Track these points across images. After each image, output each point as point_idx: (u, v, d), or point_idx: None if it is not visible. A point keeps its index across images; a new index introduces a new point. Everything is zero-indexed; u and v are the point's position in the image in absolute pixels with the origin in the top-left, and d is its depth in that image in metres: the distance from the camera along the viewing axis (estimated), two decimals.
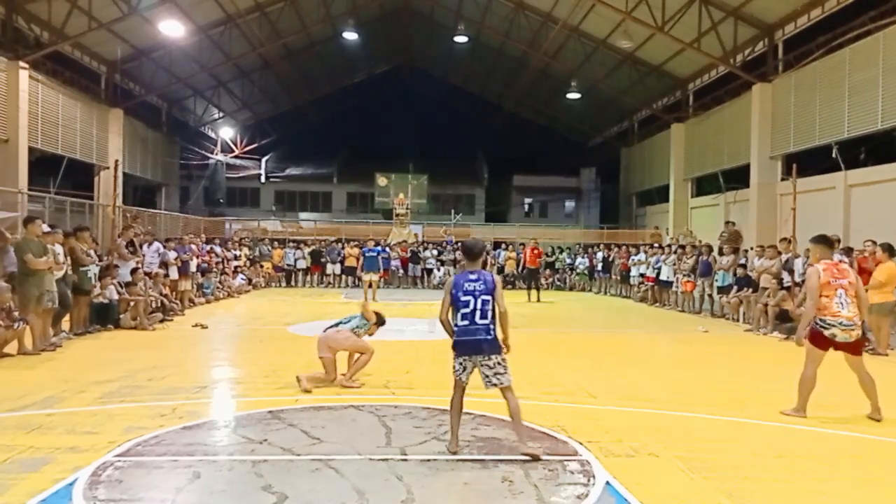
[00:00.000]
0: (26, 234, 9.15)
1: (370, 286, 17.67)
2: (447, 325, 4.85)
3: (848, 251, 11.51)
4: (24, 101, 18.34)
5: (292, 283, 23.74)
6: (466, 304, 4.70)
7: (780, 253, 13.69)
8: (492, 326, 4.71)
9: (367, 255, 18.07)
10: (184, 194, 33.82)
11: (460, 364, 4.77)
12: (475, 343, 4.68)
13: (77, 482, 4.09)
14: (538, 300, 18.55)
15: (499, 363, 4.71)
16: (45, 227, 9.85)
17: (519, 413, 4.76)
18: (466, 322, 4.69)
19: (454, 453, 4.69)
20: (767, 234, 17.85)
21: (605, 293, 22.40)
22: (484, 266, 5.25)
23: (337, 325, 7.17)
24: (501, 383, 4.71)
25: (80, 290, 10.45)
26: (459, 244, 4.81)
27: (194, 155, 34.44)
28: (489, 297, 4.71)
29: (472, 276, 4.78)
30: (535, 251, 19.51)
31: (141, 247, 13.75)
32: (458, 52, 29.98)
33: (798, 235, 15.22)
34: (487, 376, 4.71)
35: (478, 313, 4.68)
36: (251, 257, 22.49)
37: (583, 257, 24.00)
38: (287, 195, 40.37)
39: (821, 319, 6.10)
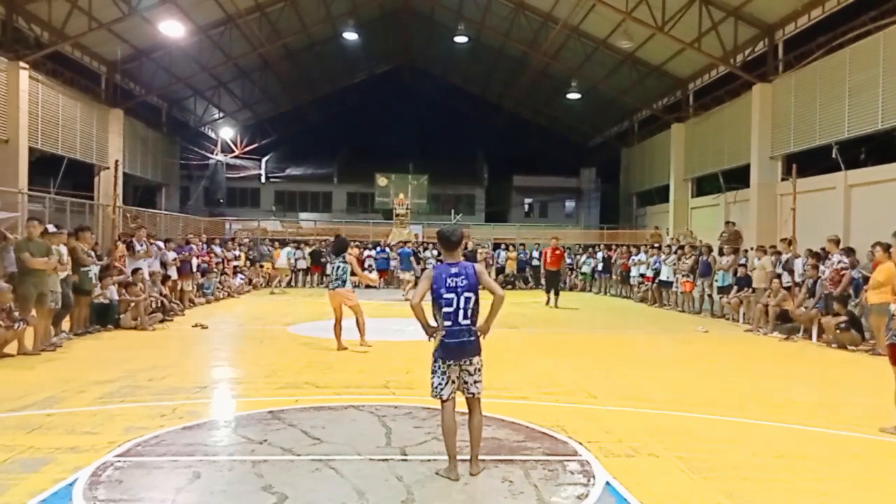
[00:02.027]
0: (27, 234, 9.16)
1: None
2: (420, 313, 4.38)
3: (849, 251, 11.51)
4: (24, 101, 18.32)
5: (292, 283, 23.74)
6: (450, 303, 4.35)
7: (772, 253, 13.70)
8: (473, 327, 4.39)
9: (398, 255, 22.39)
10: (184, 194, 33.79)
11: (443, 373, 4.37)
12: (460, 346, 4.35)
13: (77, 482, 4.09)
14: (555, 305, 17.15)
15: (478, 369, 4.41)
16: (52, 228, 9.87)
17: (481, 431, 4.45)
18: (449, 322, 4.35)
19: (456, 481, 4.21)
20: (767, 234, 17.84)
21: (606, 293, 22.40)
22: (471, 259, 4.91)
23: (335, 276, 9.30)
24: (479, 391, 4.42)
25: (81, 291, 10.45)
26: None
27: (194, 155, 34.42)
28: (472, 295, 4.36)
29: (454, 270, 4.39)
30: (557, 252, 18.20)
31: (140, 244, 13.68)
32: (458, 52, 29.93)
33: (798, 235, 15.26)
34: (467, 382, 4.38)
35: (461, 313, 4.34)
36: (250, 257, 22.49)
37: (588, 258, 23.94)
38: (287, 195, 40.37)
39: None
